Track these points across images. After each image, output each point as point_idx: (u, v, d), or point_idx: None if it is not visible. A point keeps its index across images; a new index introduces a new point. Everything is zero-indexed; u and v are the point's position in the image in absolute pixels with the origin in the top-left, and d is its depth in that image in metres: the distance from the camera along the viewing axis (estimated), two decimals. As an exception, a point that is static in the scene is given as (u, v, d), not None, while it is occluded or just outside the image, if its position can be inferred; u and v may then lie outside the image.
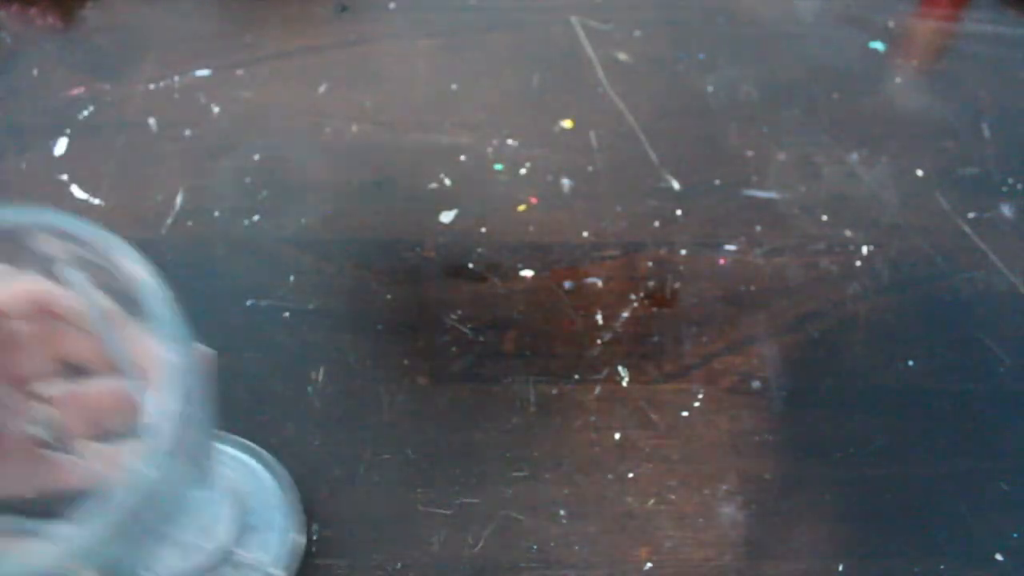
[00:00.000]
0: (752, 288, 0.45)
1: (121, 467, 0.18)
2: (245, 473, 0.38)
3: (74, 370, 0.25)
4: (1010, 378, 0.42)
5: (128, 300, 0.22)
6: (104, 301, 0.23)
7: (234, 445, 0.38)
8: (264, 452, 0.38)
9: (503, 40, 0.57)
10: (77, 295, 0.23)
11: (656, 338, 0.44)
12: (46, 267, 0.23)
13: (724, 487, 0.39)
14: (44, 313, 0.23)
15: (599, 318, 0.44)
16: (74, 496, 0.23)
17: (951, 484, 0.39)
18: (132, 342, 0.23)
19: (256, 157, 0.51)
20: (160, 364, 0.21)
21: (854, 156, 0.51)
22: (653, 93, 0.54)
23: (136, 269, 0.21)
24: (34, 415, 0.24)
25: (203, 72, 0.55)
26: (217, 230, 0.47)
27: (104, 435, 0.25)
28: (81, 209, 0.48)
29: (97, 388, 0.25)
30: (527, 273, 0.46)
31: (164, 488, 0.20)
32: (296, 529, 0.37)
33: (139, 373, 0.23)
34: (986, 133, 0.52)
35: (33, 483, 0.24)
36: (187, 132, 0.52)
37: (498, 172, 0.50)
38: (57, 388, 0.25)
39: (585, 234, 0.47)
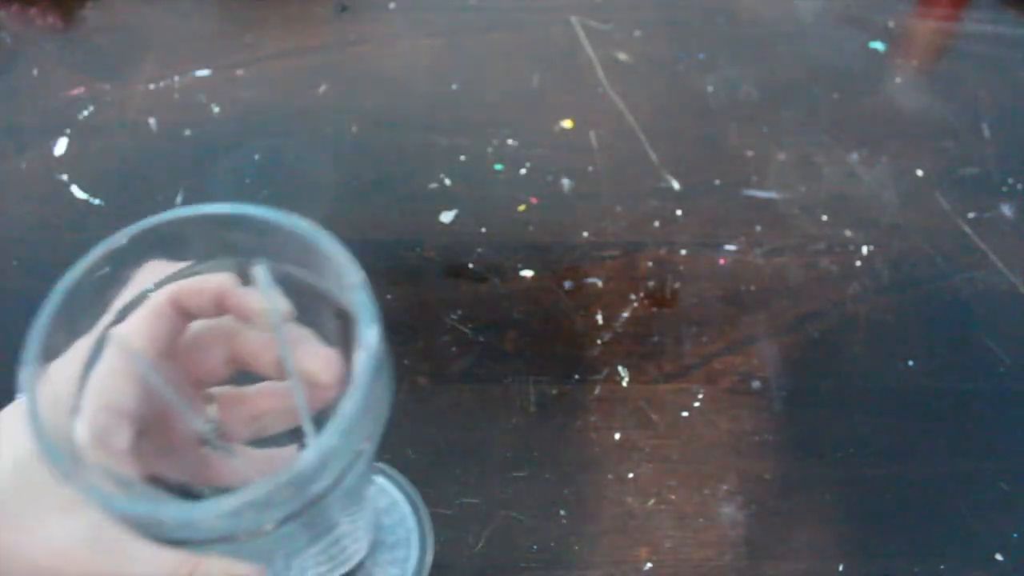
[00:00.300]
0: (752, 288, 0.45)
1: (272, 470, 0.18)
2: (378, 491, 0.38)
3: (242, 369, 0.25)
4: (1010, 378, 0.42)
5: (314, 297, 0.23)
6: (284, 302, 0.23)
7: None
8: (395, 472, 0.39)
9: (503, 40, 0.57)
10: (260, 293, 0.23)
11: (656, 338, 0.44)
12: (243, 260, 0.23)
13: (724, 487, 0.39)
14: (225, 312, 0.24)
15: (599, 318, 0.44)
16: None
17: (951, 484, 0.39)
18: (302, 346, 0.23)
19: (256, 157, 0.51)
20: (328, 369, 0.22)
21: (854, 156, 0.51)
22: (653, 93, 0.54)
23: (344, 262, 0.22)
24: (204, 415, 0.25)
25: (203, 72, 0.55)
26: (217, 230, 0.47)
27: (260, 436, 0.26)
28: (81, 209, 0.48)
29: (259, 391, 0.26)
30: (527, 273, 0.46)
31: (339, 473, 0.20)
32: (427, 549, 0.37)
33: (304, 377, 0.23)
34: (986, 133, 0.52)
35: (190, 478, 0.25)
36: (187, 132, 0.52)
37: (498, 172, 0.50)
38: (223, 388, 0.26)
39: (585, 234, 0.47)
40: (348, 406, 0.19)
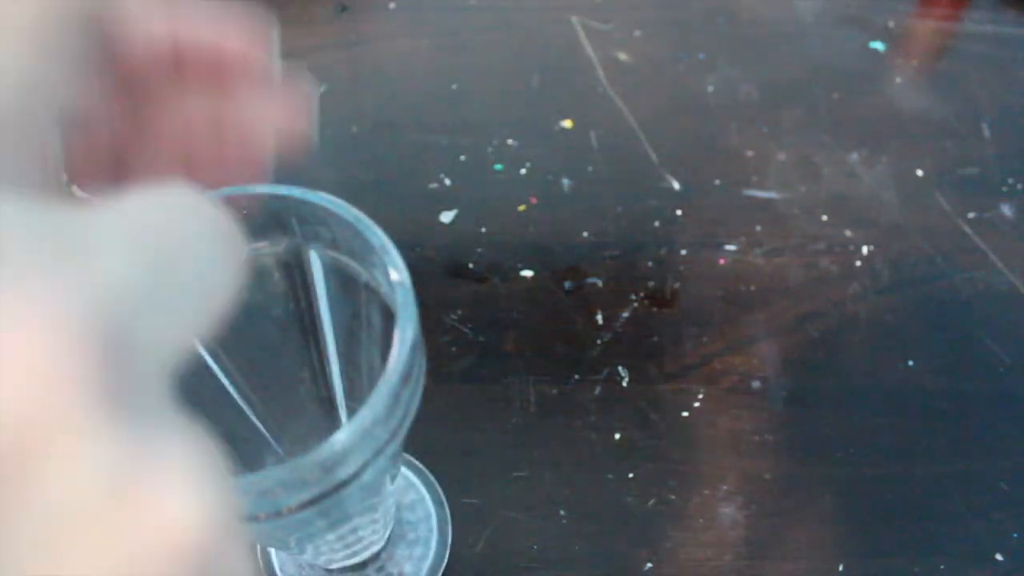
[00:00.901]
0: (752, 288, 0.45)
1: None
2: (406, 486, 0.38)
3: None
4: (1010, 378, 0.42)
5: (362, 289, 0.24)
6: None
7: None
8: (424, 469, 0.39)
9: (503, 40, 0.57)
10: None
11: (656, 338, 0.44)
12: (297, 242, 0.24)
13: (724, 487, 0.39)
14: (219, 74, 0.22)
15: (599, 318, 0.44)
16: None
17: (951, 484, 0.39)
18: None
19: (256, 157, 0.50)
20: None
21: (854, 156, 0.51)
22: (653, 93, 0.54)
23: (392, 259, 0.22)
24: None
25: (203, 72, 0.55)
26: (217, 230, 0.47)
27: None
28: (81, 209, 0.48)
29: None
30: (527, 273, 0.46)
31: (363, 463, 0.20)
32: (444, 547, 0.37)
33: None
34: (986, 133, 0.52)
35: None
36: (187, 132, 0.52)
37: (498, 172, 0.50)
38: None
39: (585, 234, 0.47)
40: (377, 400, 0.20)
